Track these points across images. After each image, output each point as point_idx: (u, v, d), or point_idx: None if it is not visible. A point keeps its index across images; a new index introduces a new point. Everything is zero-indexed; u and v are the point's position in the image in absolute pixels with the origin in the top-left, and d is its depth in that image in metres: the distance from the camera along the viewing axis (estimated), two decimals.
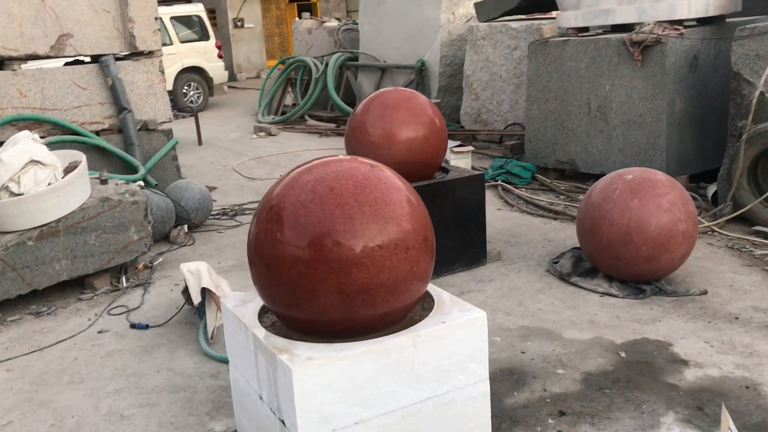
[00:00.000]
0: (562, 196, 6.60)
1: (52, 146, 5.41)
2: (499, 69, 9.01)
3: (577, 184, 6.82)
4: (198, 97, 15.33)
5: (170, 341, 4.08)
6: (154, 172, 6.91)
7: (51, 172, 4.63)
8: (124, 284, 4.98)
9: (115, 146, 6.68)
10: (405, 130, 4.52)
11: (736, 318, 3.95)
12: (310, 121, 11.92)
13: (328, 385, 2.39)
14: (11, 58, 6.27)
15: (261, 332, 2.62)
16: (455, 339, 2.59)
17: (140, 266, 5.23)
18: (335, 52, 12.49)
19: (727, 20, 6.53)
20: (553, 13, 9.11)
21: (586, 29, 7.03)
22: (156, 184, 6.62)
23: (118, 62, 6.81)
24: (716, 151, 6.33)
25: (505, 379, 3.43)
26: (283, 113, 12.68)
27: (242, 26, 22.50)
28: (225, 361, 3.65)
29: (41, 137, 5.39)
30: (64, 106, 6.54)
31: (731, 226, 5.41)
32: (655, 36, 6.07)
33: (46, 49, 6.45)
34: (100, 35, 6.73)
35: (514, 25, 8.79)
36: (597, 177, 6.30)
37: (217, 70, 15.87)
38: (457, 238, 4.80)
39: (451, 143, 7.09)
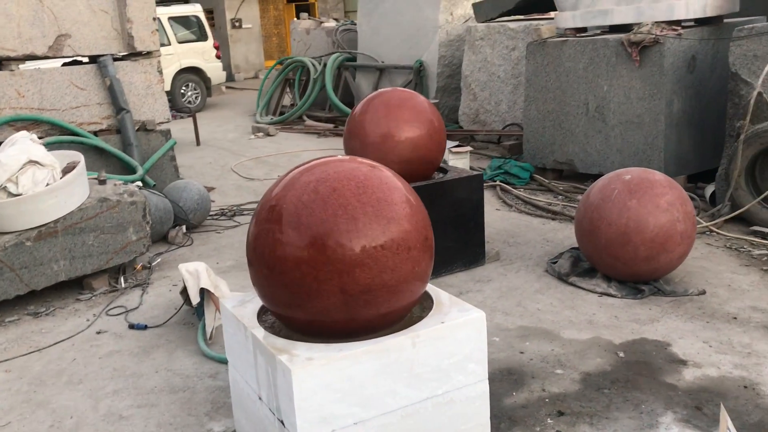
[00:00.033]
0: (560, 197, 6.61)
1: (50, 147, 5.40)
2: (497, 69, 9.02)
3: (576, 184, 6.82)
4: (196, 97, 15.32)
5: (169, 342, 4.08)
6: (153, 172, 6.91)
7: (49, 172, 4.63)
8: (123, 285, 4.97)
9: (114, 147, 6.68)
10: (404, 131, 4.52)
11: (735, 318, 3.96)
12: (309, 122, 11.92)
13: (328, 386, 2.39)
14: (9, 59, 6.26)
15: (260, 332, 2.62)
16: (454, 339, 2.60)
17: (139, 267, 5.22)
18: (333, 53, 12.49)
19: (725, 21, 6.54)
20: (551, 14, 9.12)
21: (584, 30, 7.04)
22: (154, 185, 6.61)
23: (116, 62, 6.80)
24: (714, 151, 6.35)
25: (503, 379, 3.43)
26: (282, 114, 12.68)
27: (240, 27, 22.50)
28: (224, 362, 3.65)
29: (39, 138, 5.39)
30: (62, 107, 6.54)
31: (729, 226, 5.42)
32: (653, 36, 6.08)
33: (44, 49, 6.45)
34: (99, 35, 6.73)
35: (512, 25, 8.80)
36: (595, 177, 6.30)
37: (215, 70, 15.86)
38: (455, 238, 4.80)
39: (449, 143, 7.10)
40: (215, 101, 16.48)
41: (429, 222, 2.65)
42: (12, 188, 4.47)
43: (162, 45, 8.45)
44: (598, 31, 7.09)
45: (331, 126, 11.42)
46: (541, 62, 7.06)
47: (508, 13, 9.19)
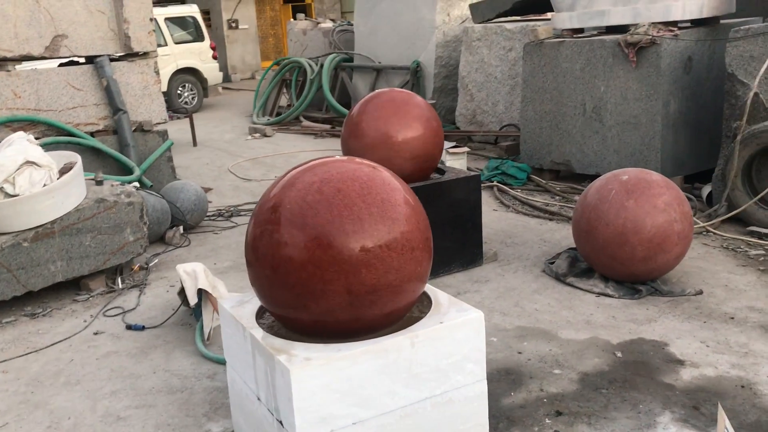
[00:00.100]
0: (557, 197, 6.62)
1: (47, 147, 5.39)
2: (494, 70, 9.03)
3: (573, 184, 6.83)
4: (192, 98, 15.30)
5: (167, 342, 4.07)
6: (150, 173, 6.90)
7: (46, 173, 4.62)
8: (120, 285, 4.96)
9: (110, 147, 6.66)
10: (402, 131, 4.53)
11: (732, 318, 3.97)
12: (305, 122, 11.92)
13: (326, 386, 2.39)
14: (5, 59, 6.25)
15: (259, 333, 2.62)
16: (453, 339, 2.60)
17: (136, 267, 5.22)
18: (330, 53, 12.49)
19: (722, 21, 6.56)
20: (548, 15, 9.13)
21: (581, 30, 7.05)
22: (151, 185, 6.61)
23: (113, 63, 6.80)
24: (711, 151, 6.36)
25: (502, 379, 3.43)
26: (278, 114, 12.67)
27: (237, 27, 22.49)
28: (222, 362, 3.64)
29: (36, 138, 5.38)
30: (58, 107, 6.53)
31: (726, 226, 5.43)
32: (650, 37, 6.09)
33: (40, 49, 6.43)
34: (95, 36, 6.72)
35: (509, 26, 8.81)
36: (592, 178, 6.32)
37: (211, 71, 15.85)
38: (453, 238, 4.81)
39: (446, 144, 7.10)
40: (212, 102, 16.47)
41: (428, 222, 2.67)
42: (9, 189, 4.46)
43: (159, 45, 8.44)
44: (595, 32, 7.10)
45: (328, 127, 11.42)
46: (538, 63, 7.07)
47: (505, 14, 9.20)
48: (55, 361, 3.93)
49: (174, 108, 14.43)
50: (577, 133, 6.84)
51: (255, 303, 2.88)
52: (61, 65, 7.09)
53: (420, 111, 4.65)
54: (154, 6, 7.46)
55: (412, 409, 2.55)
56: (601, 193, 4.39)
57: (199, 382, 3.58)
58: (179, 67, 15.05)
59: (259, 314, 2.83)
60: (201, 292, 4.07)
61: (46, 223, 4.59)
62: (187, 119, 11.46)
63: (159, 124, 7.19)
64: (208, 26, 19.46)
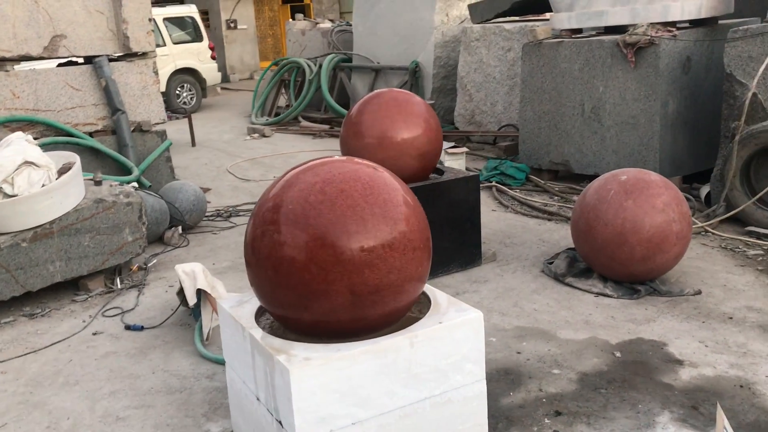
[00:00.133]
0: (556, 197, 6.62)
1: (45, 147, 5.39)
2: (492, 70, 9.03)
3: (571, 185, 6.84)
4: (191, 98, 15.30)
5: (165, 343, 4.07)
6: (148, 173, 6.90)
7: (45, 173, 4.61)
8: (119, 286, 4.96)
9: (109, 147, 6.66)
10: (400, 132, 4.53)
11: (730, 318, 3.98)
12: (304, 123, 11.92)
13: (326, 386, 2.39)
14: (4, 59, 6.24)
15: (258, 333, 2.62)
16: (452, 339, 2.60)
17: (134, 268, 5.21)
18: (329, 54, 12.49)
19: (720, 22, 6.57)
20: (547, 15, 9.14)
21: (579, 31, 7.05)
22: (150, 186, 6.60)
23: (111, 63, 6.79)
24: (709, 152, 6.37)
25: (501, 379, 3.43)
26: (277, 114, 12.67)
27: (235, 27, 22.48)
28: (221, 363, 3.64)
29: (34, 138, 5.37)
30: (57, 108, 6.52)
31: (724, 226, 5.44)
32: (649, 37, 6.09)
33: (39, 50, 6.43)
34: (94, 36, 6.71)
35: (507, 26, 8.81)
36: (591, 178, 6.33)
37: (210, 71, 15.85)
38: (452, 239, 4.81)
39: (445, 144, 7.11)
40: (210, 102, 16.46)
41: (427, 223, 2.68)
42: (7, 189, 4.46)
43: (157, 46, 8.43)
44: (594, 33, 7.11)
45: (326, 127, 11.42)
46: (536, 63, 7.07)
47: (504, 15, 9.21)
48: (54, 362, 3.93)
49: (172, 108, 14.43)
50: (575, 134, 6.84)
51: (254, 303, 2.88)
52: (59, 65, 7.09)
53: (419, 111, 4.65)
54: (152, 6, 7.46)
55: (412, 409, 2.56)
56: (600, 193, 4.40)
57: (198, 383, 3.58)
58: (178, 67, 15.05)
59: (259, 314, 2.83)
60: (200, 293, 4.07)
61: (44, 224, 4.58)
62: (186, 119, 11.45)
63: (158, 124, 7.18)
64: (207, 26, 19.46)
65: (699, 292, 4.31)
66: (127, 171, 6.51)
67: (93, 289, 4.89)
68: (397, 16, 10.95)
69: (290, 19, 17.79)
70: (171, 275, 5.06)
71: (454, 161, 7.15)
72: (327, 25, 14.26)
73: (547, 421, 3.07)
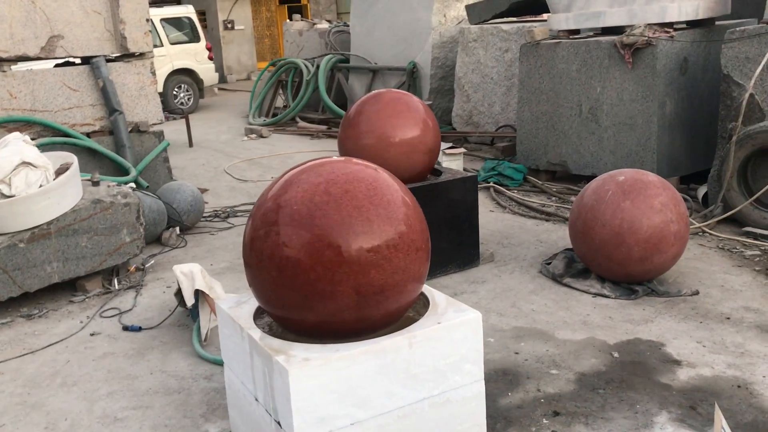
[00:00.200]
0: (553, 198, 6.63)
1: (43, 148, 5.38)
2: (490, 71, 9.04)
3: (569, 185, 6.85)
4: (188, 98, 15.28)
5: (163, 343, 4.07)
6: (146, 173, 6.89)
7: (42, 173, 4.61)
8: (116, 286, 4.95)
9: (107, 148, 6.65)
10: (399, 132, 4.53)
11: (728, 318, 3.98)
12: (302, 123, 11.91)
13: (325, 386, 2.39)
14: (1, 60, 6.24)
15: (257, 333, 2.62)
16: (451, 339, 2.60)
17: (132, 268, 5.21)
18: (326, 54, 12.49)
19: (717, 23, 6.58)
20: (545, 16, 9.15)
21: (577, 32, 7.06)
22: (147, 186, 6.60)
23: (109, 64, 6.78)
24: (706, 152, 6.38)
25: (499, 379, 3.44)
26: (274, 115, 12.66)
27: (232, 28, 22.47)
28: (219, 363, 3.64)
29: (32, 139, 5.37)
30: (54, 108, 6.51)
31: (722, 227, 5.45)
32: (646, 38, 6.11)
33: (36, 50, 6.42)
34: (91, 37, 6.71)
35: (505, 27, 8.82)
36: (588, 178, 6.33)
37: (207, 71, 15.83)
38: (450, 239, 4.81)
39: (443, 145, 7.11)
40: (208, 102, 16.45)
41: (426, 223, 2.68)
42: (5, 190, 4.45)
43: (154, 46, 8.42)
44: (591, 33, 7.11)
45: (324, 127, 11.42)
46: (534, 64, 7.08)
47: (501, 15, 9.22)
48: (52, 363, 3.92)
49: (170, 109, 14.41)
50: (573, 134, 6.85)
51: (252, 304, 2.88)
52: (57, 66, 7.08)
53: (417, 112, 4.66)
54: (150, 7, 7.45)
55: (410, 410, 2.56)
56: (598, 193, 4.40)
57: (196, 383, 3.58)
58: (175, 67, 15.04)
59: (257, 315, 2.83)
60: (198, 293, 4.06)
61: (42, 224, 4.58)
62: (183, 120, 11.44)
63: (155, 124, 7.18)
64: (204, 27, 19.45)
65: (696, 293, 4.32)
66: (124, 171, 6.51)
67: (90, 290, 4.88)
68: (395, 16, 10.95)
69: (287, 20, 17.79)
70: (169, 276, 5.05)
71: (452, 162, 7.15)
72: (324, 25, 14.27)
73: (545, 421, 3.07)
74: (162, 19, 15.16)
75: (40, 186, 4.56)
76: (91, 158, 6.48)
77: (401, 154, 4.54)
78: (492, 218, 6.15)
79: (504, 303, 4.37)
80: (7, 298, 4.51)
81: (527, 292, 4.53)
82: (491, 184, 7.02)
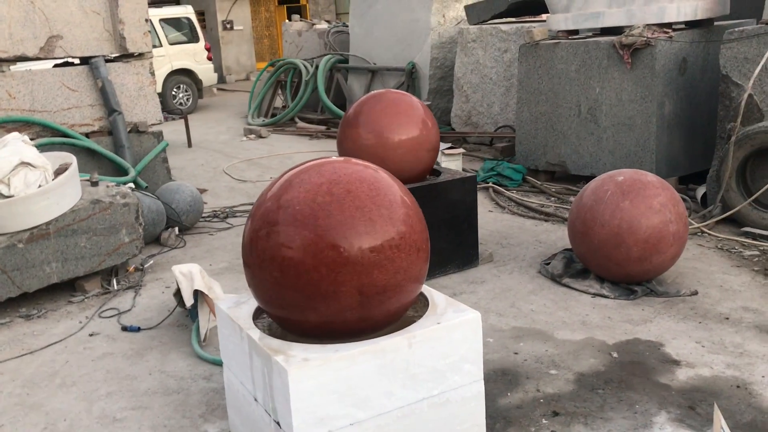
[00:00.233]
0: (552, 198, 6.63)
1: (42, 148, 5.38)
2: (489, 71, 9.04)
3: (568, 185, 6.85)
4: (187, 99, 15.28)
5: (162, 344, 4.06)
6: (145, 174, 6.89)
7: (41, 174, 4.60)
8: (115, 287, 4.95)
9: (105, 148, 6.65)
10: (397, 132, 4.53)
11: (727, 318, 3.99)
12: (301, 124, 11.91)
13: (324, 386, 2.39)
14: (0, 60, 6.23)
15: (256, 334, 2.62)
16: (450, 340, 2.60)
17: (131, 269, 5.20)
18: (325, 55, 12.49)
19: (716, 23, 6.59)
20: (543, 16, 9.15)
21: (576, 32, 7.07)
22: (146, 187, 6.59)
23: (108, 64, 6.78)
24: (705, 152, 6.39)
25: (498, 379, 3.44)
26: (273, 115, 12.66)
27: (231, 28, 22.47)
28: (218, 364, 3.64)
29: (31, 139, 5.36)
30: (53, 108, 6.51)
31: (720, 227, 5.45)
32: (645, 39, 6.11)
33: (35, 50, 6.41)
34: (90, 37, 6.70)
35: (504, 27, 8.82)
36: (587, 179, 6.34)
37: (206, 72, 15.83)
38: (449, 239, 4.81)
39: (442, 145, 7.11)
40: (206, 103, 16.44)
41: (425, 223, 2.69)
42: (4, 190, 4.45)
43: (153, 46, 8.42)
44: (590, 34, 7.12)
45: (323, 128, 11.42)
46: (533, 64, 7.09)
47: (500, 16, 9.22)
48: (51, 363, 3.92)
49: (169, 109, 14.41)
50: (572, 135, 6.85)
51: (252, 304, 2.88)
52: (55, 66, 7.07)
53: (416, 112, 4.66)
54: (149, 7, 7.45)
55: (410, 410, 2.56)
56: (597, 194, 4.40)
57: (195, 384, 3.58)
58: (174, 68, 15.03)
59: (256, 315, 2.83)
60: (197, 294, 4.06)
61: (41, 224, 4.57)
62: (182, 120, 11.44)
63: (154, 125, 7.17)
64: (203, 27, 19.44)
65: (695, 293, 4.32)
66: (123, 172, 6.50)
67: (89, 290, 4.87)
68: (394, 17, 10.95)
69: (287, 20, 17.79)
70: (168, 276, 5.05)
71: (451, 162, 7.15)
72: (323, 26, 14.26)
73: (544, 421, 3.07)
74: (161, 20, 15.15)
75: (39, 186, 4.56)
76: (90, 158, 6.47)
77: (400, 155, 4.54)
78: (491, 218, 6.15)
79: (503, 303, 4.37)
80: (6, 298, 4.51)
81: (526, 292, 4.53)
82: (490, 184, 7.02)
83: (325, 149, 9.79)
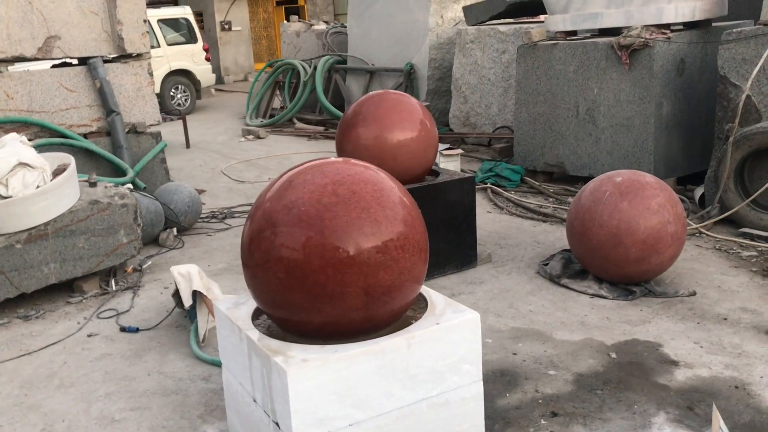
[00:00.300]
0: (550, 199, 6.64)
1: (40, 149, 5.37)
2: (487, 72, 9.05)
3: (566, 186, 6.85)
4: (185, 99, 15.27)
5: (161, 345, 4.06)
6: (143, 174, 6.88)
7: (39, 174, 4.60)
8: (114, 287, 4.95)
9: (104, 149, 6.64)
10: (396, 133, 4.53)
11: (725, 319, 3.99)
12: (299, 124, 11.91)
13: (323, 387, 2.39)
14: None
15: (255, 334, 2.62)
16: (449, 340, 2.60)
17: (129, 269, 5.20)
18: (323, 55, 12.49)
19: (714, 24, 6.60)
20: (542, 17, 9.16)
21: (574, 33, 7.08)
22: (144, 187, 6.59)
23: (106, 64, 6.77)
24: (703, 153, 6.39)
25: (497, 380, 3.44)
26: (272, 116, 12.66)
27: (229, 29, 22.46)
28: (217, 364, 3.64)
29: (29, 140, 5.35)
30: (51, 109, 6.50)
31: (718, 228, 5.46)
32: (643, 40, 6.12)
33: (33, 51, 6.41)
34: (88, 37, 6.69)
35: (502, 28, 8.83)
36: (585, 180, 6.34)
37: (204, 72, 15.82)
38: (447, 240, 4.81)
39: (440, 146, 7.11)
40: (205, 104, 16.44)
41: (425, 224, 2.71)
42: (2, 191, 4.44)
43: (151, 47, 8.41)
44: (588, 35, 7.12)
45: (321, 129, 11.42)
46: (531, 65, 7.09)
47: (499, 16, 9.23)
48: (49, 364, 3.91)
49: (167, 110, 14.39)
50: (570, 135, 6.86)
51: (251, 305, 2.88)
52: (53, 66, 7.06)
53: (414, 113, 4.66)
54: (147, 8, 7.44)
55: (409, 410, 2.56)
56: (595, 194, 4.41)
57: (193, 384, 3.58)
58: (172, 68, 15.02)
59: (255, 316, 2.82)
60: (195, 294, 4.06)
61: (39, 225, 4.57)
62: (180, 121, 11.43)
63: (152, 125, 7.17)
64: (201, 28, 19.42)
65: (694, 294, 4.32)
66: (121, 172, 6.50)
67: (88, 291, 4.87)
68: (392, 18, 10.96)
69: (285, 21, 17.79)
70: (166, 277, 5.05)
71: (449, 163, 7.15)
72: (322, 26, 14.27)
73: (543, 422, 3.08)
74: (159, 20, 15.14)
75: (37, 187, 4.55)
76: (88, 159, 6.47)
77: (399, 155, 4.54)
78: (489, 219, 6.15)
79: (502, 304, 4.37)
80: (4, 299, 4.50)
81: (525, 292, 4.53)
82: (489, 185, 7.03)
83: (324, 150, 9.79)
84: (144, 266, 5.33)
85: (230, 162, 9.45)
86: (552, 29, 7.09)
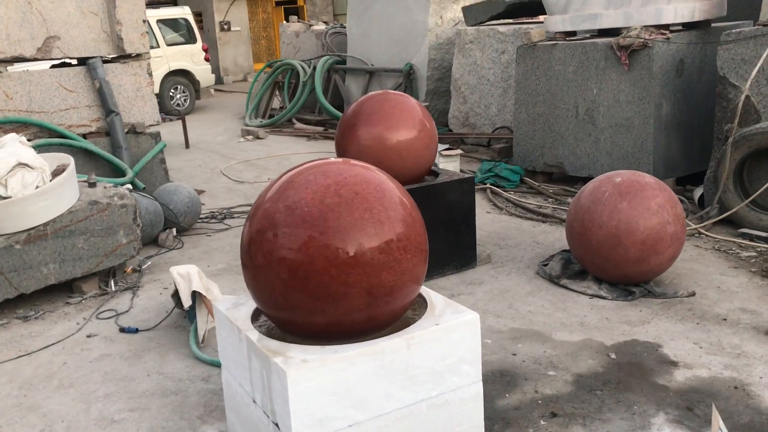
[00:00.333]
0: (550, 199, 6.64)
1: (39, 149, 5.37)
2: (487, 73, 9.05)
3: (565, 187, 6.85)
4: (185, 100, 15.27)
5: (160, 345, 4.06)
6: (142, 175, 6.88)
7: (39, 175, 4.60)
8: (113, 288, 4.94)
9: (103, 149, 6.64)
10: (396, 133, 4.53)
11: (724, 319, 3.99)
12: (298, 125, 11.91)
13: (323, 388, 2.39)
14: None
15: (255, 335, 2.62)
16: (449, 341, 2.60)
17: (129, 270, 5.20)
18: (323, 56, 12.49)
19: (713, 25, 6.60)
20: (541, 18, 9.16)
21: (573, 33, 7.08)
22: (144, 188, 6.59)
23: (105, 65, 6.77)
24: (702, 154, 6.40)
25: (496, 381, 3.44)
26: (271, 116, 12.66)
27: (229, 29, 22.45)
28: (216, 365, 3.63)
29: (28, 140, 5.35)
30: (50, 109, 6.50)
31: (718, 228, 5.46)
32: (642, 40, 6.12)
33: (32, 51, 6.40)
34: (88, 38, 6.69)
35: (501, 29, 8.83)
36: (585, 180, 6.35)
37: (203, 73, 15.81)
38: (447, 241, 4.81)
39: (439, 146, 7.11)
40: (204, 104, 16.43)
41: (424, 224, 2.71)
42: (1, 191, 4.44)
43: (151, 47, 8.41)
44: (588, 35, 7.13)
45: (320, 129, 11.42)
46: (530, 66, 7.09)
47: (498, 17, 9.23)
48: (48, 364, 3.91)
49: (166, 110, 14.39)
50: (569, 136, 6.86)
51: (250, 305, 2.87)
52: (53, 67, 7.06)
53: (414, 113, 4.66)
54: (146, 8, 7.44)
55: (408, 411, 2.56)
56: (595, 195, 4.41)
57: (193, 385, 3.57)
58: (171, 69, 15.01)
59: (255, 317, 2.82)
60: (195, 295, 4.06)
61: (38, 225, 4.56)
62: (179, 121, 11.43)
63: (152, 126, 7.16)
64: (200, 28, 19.42)
65: (693, 294, 4.33)
66: (121, 173, 6.49)
67: (87, 292, 4.87)
68: (391, 18, 10.96)
69: (284, 21, 17.79)
70: (165, 277, 5.05)
71: (449, 163, 7.16)
72: (321, 27, 14.26)
73: (542, 422, 3.08)
74: (158, 21, 15.14)
75: (37, 187, 4.55)
76: (87, 159, 6.47)
77: (398, 156, 4.54)
78: (489, 220, 6.15)
79: (501, 304, 4.37)
80: (3, 299, 4.50)
81: (524, 293, 4.53)
82: (488, 185, 7.03)
83: (323, 150, 9.79)
84: (143, 267, 5.33)
85: (229, 162, 9.45)
86: (551, 30, 7.09)
